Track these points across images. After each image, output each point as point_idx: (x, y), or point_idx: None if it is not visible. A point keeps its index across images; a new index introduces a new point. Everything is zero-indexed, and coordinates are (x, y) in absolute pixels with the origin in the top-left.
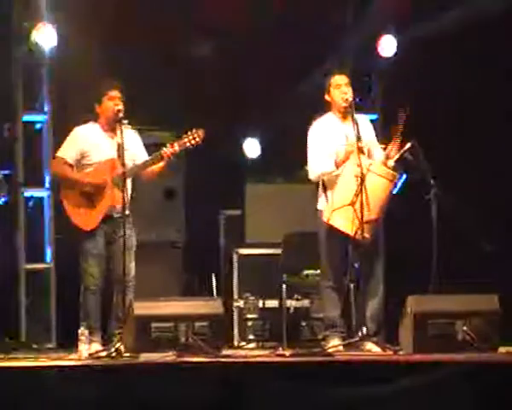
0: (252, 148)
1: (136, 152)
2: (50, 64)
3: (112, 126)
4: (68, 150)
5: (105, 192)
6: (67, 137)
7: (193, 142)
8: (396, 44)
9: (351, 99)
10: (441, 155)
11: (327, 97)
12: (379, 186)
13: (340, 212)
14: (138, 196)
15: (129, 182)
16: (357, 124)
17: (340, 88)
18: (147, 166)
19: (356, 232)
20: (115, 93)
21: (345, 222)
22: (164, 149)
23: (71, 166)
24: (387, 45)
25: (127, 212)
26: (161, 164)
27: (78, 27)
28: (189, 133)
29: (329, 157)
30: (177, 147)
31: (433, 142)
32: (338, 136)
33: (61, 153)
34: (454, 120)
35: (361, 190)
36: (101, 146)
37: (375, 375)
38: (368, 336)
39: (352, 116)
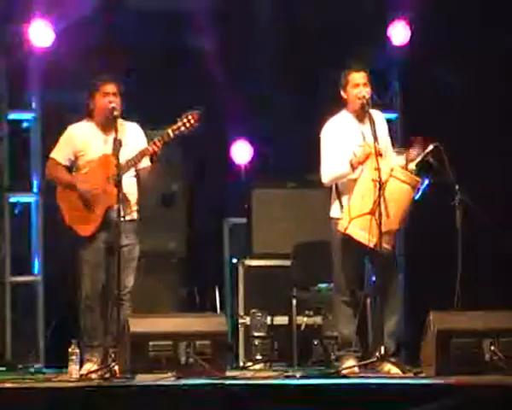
0: (242, 151)
1: (137, 148)
2: (40, 56)
3: (108, 124)
4: (61, 151)
5: (101, 193)
6: (61, 137)
7: (188, 125)
8: (409, 32)
9: (367, 96)
10: (465, 158)
11: (343, 94)
12: (401, 193)
13: (358, 221)
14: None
15: (135, 187)
16: (373, 123)
17: (357, 88)
18: (139, 159)
19: (375, 243)
20: (110, 88)
21: (363, 232)
22: (155, 138)
23: (65, 167)
24: (400, 33)
25: (135, 217)
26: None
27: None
28: (183, 116)
29: (344, 159)
30: (171, 133)
31: (457, 143)
32: (354, 136)
33: (54, 154)
34: (480, 120)
35: (379, 196)
36: (96, 145)
37: (394, 399)
38: (386, 357)
39: (369, 115)
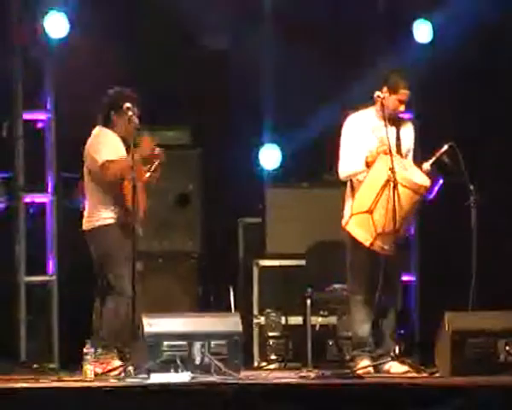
0: (271, 155)
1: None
2: (54, 56)
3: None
4: (109, 151)
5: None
6: (101, 141)
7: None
8: (432, 31)
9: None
10: (482, 158)
11: (385, 93)
12: (402, 196)
13: (357, 218)
14: (149, 202)
15: None
16: (399, 127)
17: (401, 104)
18: None
19: (372, 243)
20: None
21: (360, 230)
22: None
23: None
24: (422, 31)
25: None
26: None
27: (88, 16)
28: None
29: (361, 156)
30: None
31: (473, 144)
32: (375, 134)
33: (105, 156)
34: (498, 119)
35: (393, 197)
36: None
37: (409, 400)
38: (400, 356)
39: (394, 120)
